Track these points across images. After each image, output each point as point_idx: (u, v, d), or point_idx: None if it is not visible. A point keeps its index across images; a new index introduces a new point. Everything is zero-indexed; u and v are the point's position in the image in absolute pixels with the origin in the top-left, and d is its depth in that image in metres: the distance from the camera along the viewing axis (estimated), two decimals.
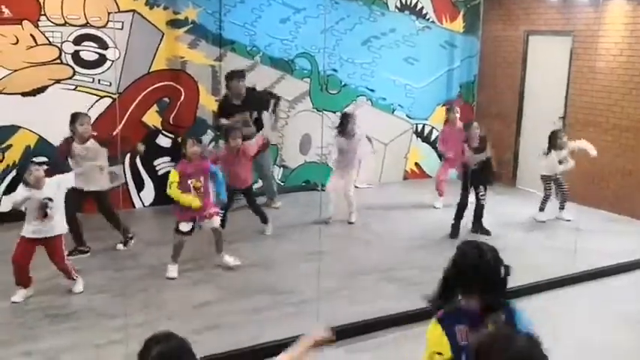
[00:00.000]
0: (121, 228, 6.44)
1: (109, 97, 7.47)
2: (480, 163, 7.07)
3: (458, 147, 7.43)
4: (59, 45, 7.18)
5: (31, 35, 7.02)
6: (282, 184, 8.87)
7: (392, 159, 9.75)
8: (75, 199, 6.20)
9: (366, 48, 9.21)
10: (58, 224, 5.25)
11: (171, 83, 7.92)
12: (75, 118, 6.12)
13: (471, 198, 7.18)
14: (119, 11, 7.44)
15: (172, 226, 5.96)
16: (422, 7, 9.58)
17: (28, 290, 5.25)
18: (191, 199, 5.69)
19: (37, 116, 7.03)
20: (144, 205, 7.98)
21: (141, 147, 6.78)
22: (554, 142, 7.65)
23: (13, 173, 7.05)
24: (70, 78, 7.29)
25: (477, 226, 7.20)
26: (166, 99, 7.92)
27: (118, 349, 4.38)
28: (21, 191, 5.13)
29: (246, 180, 6.87)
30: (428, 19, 9.67)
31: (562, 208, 7.95)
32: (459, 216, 7.17)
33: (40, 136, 7.18)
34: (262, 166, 7.98)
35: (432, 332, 2.55)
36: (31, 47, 7.04)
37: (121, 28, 7.47)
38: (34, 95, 7.11)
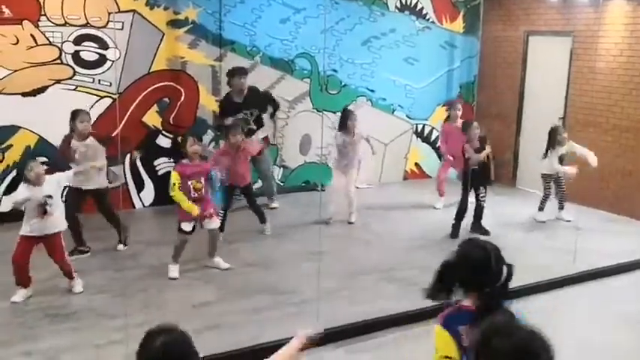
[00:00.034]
0: (120, 228, 6.44)
1: (109, 97, 7.47)
2: (480, 163, 7.08)
3: (458, 144, 7.42)
4: (59, 45, 7.18)
5: (32, 35, 7.02)
6: (282, 184, 8.87)
7: (392, 159, 9.75)
8: (75, 198, 6.22)
9: (366, 48, 9.21)
10: (58, 221, 5.26)
11: (171, 83, 7.92)
12: (75, 115, 6.12)
13: (471, 198, 7.19)
14: (119, 11, 7.44)
15: (172, 226, 5.97)
16: (422, 8, 9.58)
17: (28, 290, 5.25)
18: (191, 207, 5.69)
19: (38, 116, 7.03)
20: (144, 206, 7.99)
21: (136, 154, 6.79)
22: (553, 138, 7.64)
23: (14, 173, 7.05)
24: (71, 78, 7.29)
25: (477, 226, 7.20)
26: (166, 99, 7.93)
27: (118, 349, 4.38)
28: (22, 190, 5.13)
29: (245, 177, 6.86)
30: (428, 20, 9.68)
31: (561, 208, 7.96)
32: (459, 217, 7.17)
33: (40, 136, 7.18)
34: (262, 166, 7.98)
35: (440, 338, 2.52)
36: (32, 47, 7.04)
37: (122, 29, 7.47)
38: (35, 95, 7.12)
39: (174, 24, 7.82)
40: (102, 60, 7.43)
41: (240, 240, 6.86)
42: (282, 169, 8.94)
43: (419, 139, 10.02)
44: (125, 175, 7.79)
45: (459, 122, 8.19)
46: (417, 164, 10.08)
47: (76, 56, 7.29)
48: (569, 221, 7.74)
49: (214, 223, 5.96)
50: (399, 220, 7.87)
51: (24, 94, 7.06)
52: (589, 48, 8.43)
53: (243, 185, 6.89)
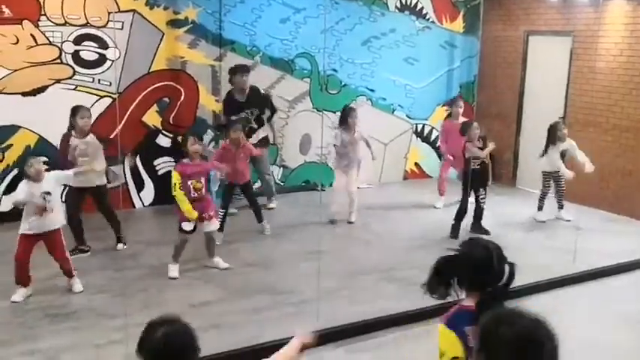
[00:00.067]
0: (119, 227, 6.44)
1: (109, 96, 7.47)
2: (481, 163, 7.07)
3: (459, 142, 7.42)
4: (59, 45, 7.18)
5: (32, 35, 7.02)
6: (282, 184, 8.87)
7: (392, 159, 9.75)
8: (75, 198, 6.23)
9: (366, 48, 9.21)
10: (57, 218, 5.28)
11: (171, 83, 7.92)
12: (76, 111, 6.12)
13: (471, 199, 7.18)
14: (119, 11, 7.44)
15: (172, 225, 5.97)
16: (422, 8, 9.58)
17: (28, 289, 5.26)
18: (190, 210, 5.68)
19: (37, 116, 7.03)
20: (144, 205, 7.98)
21: (132, 160, 6.79)
22: (553, 134, 7.64)
23: (14, 172, 7.05)
24: (70, 78, 7.29)
25: (477, 226, 7.20)
26: (166, 99, 7.93)
27: (118, 349, 4.38)
28: (22, 187, 5.13)
29: (245, 175, 6.85)
30: (428, 20, 9.68)
31: (561, 207, 7.96)
32: (459, 217, 7.17)
33: (40, 135, 7.18)
34: (261, 166, 7.98)
35: (446, 338, 2.49)
36: (32, 47, 7.04)
37: (121, 28, 7.47)
38: (34, 95, 7.12)
39: (174, 24, 7.82)
40: (102, 60, 7.43)
41: (240, 240, 6.86)
42: (282, 168, 8.94)
43: (419, 138, 10.02)
44: (125, 174, 7.79)
45: (461, 120, 8.20)
46: (416, 164, 10.08)
47: (75, 56, 7.29)
48: (569, 221, 7.74)
49: (212, 225, 5.96)
50: (398, 220, 7.86)
51: (24, 94, 7.06)
52: (589, 48, 8.43)
53: (243, 182, 6.87)
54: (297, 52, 8.69)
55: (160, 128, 7.94)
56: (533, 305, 2.20)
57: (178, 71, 7.95)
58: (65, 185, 6.10)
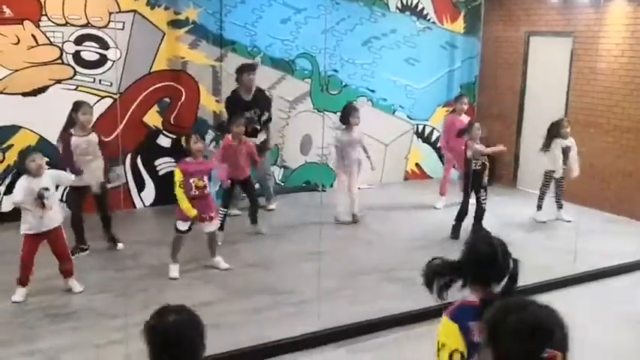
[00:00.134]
0: (110, 229, 6.42)
1: (110, 97, 7.46)
2: (482, 164, 7.06)
3: (460, 139, 7.41)
4: (60, 45, 7.18)
5: (32, 35, 7.02)
6: (282, 184, 8.87)
7: (392, 160, 9.75)
8: (75, 198, 6.23)
9: (367, 49, 9.21)
10: (57, 216, 5.27)
11: (172, 83, 7.92)
12: (78, 106, 6.09)
13: (472, 199, 7.17)
14: (120, 11, 7.44)
15: (173, 226, 5.95)
16: (422, 8, 9.58)
17: (26, 289, 5.24)
18: (189, 208, 5.67)
19: (38, 116, 7.02)
20: (144, 205, 7.98)
21: (114, 176, 6.80)
22: (557, 130, 7.64)
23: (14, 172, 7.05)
24: (71, 78, 7.29)
25: (477, 227, 7.18)
26: (167, 99, 7.93)
27: (118, 349, 4.38)
28: (21, 183, 5.12)
29: (245, 170, 6.84)
30: (429, 20, 9.67)
31: (560, 207, 7.95)
32: (460, 218, 7.17)
33: (40, 136, 7.17)
34: (261, 167, 7.96)
35: (448, 330, 2.47)
36: (32, 47, 7.04)
37: (122, 29, 7.47)
38: (35, 95, 7.12)
39: (175, 24, 7.82)
40: (103, 60, 7.43)
41: (240, 240, 6.86)
42: (282, 169, 8.93)
43: (419, 139, 10.02)
44: (126, 174, 7.79)
45: (464, 117, 8.19)
46: (417, 165, 10.08)
47: (76, 56, 7.29)
48: (569, 221, 7.73)
49: (213, 226, 5.96)
50: (399, 221, 7.86)
51: (25, 94, 7.06)
52: (590, 49, 8.42)
53: (243, 178, 6.85)
54: (298, 52, 8.69)
55: (161, 128, 7.94)
56: None
57: (179, 71, 7.95)
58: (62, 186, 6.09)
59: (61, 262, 5.36)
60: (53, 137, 6.85)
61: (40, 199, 5.08)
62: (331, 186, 8.55)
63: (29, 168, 5.12)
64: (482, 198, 7.13)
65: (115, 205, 6.91)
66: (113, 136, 6.70)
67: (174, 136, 7.95)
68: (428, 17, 9.66)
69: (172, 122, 7.98)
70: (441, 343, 2.47)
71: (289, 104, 8.75)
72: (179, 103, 7.99)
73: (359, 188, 7.98)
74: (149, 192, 7.98)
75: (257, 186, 8.12)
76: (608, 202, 8.31)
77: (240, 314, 5.10)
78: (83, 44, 7.31)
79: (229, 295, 5.50)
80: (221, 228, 6.46)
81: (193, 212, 5.68)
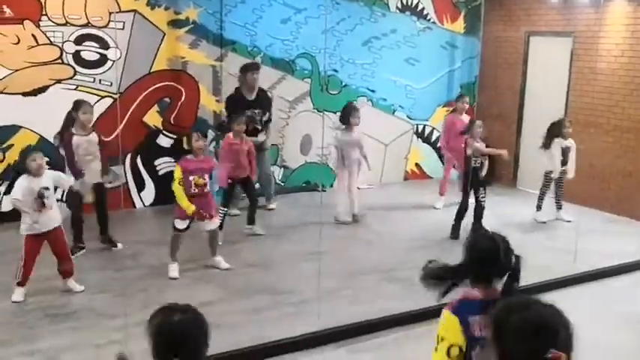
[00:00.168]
0: (107, 229, 6.41)
1: (110, 97, 7.46)
2: (481, 162, 7.06)
3: (459, 137, 7.41)
4: (60, 45, 7.18)
5: (33, 35, 7.02)
6: (282, 184, 8.87)
7: (392, 160, 9.75)
8: (75, 198, 6.22)
9: (367, 48, 9.21)
10: (56, 216, 5.27)
11: (172, 83, 7.92)
12: (78, 105, 6.09)
13: (471, 199, 7.18)
14: (120, 11, 7.44)
15: (171, 224, 5.95)
16: (423, 8, 9.58)
17: (25, 288, 5.23)
18: (188, 205, 5.67)
19: (38, 116, 7.02)
20: (144, 205, 7.98)
21: (114, 175, 6.81)
22: (557, 131, 7.64)
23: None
24: (71, 78, 7.29)
25: (477, 226, 7.18)
26: (167, 99, 7.93)
27: (118, 349, 4.37)
28: (20, 183, 5.11)
29: (246, 168, 6.84)
30: (429, 20, 9.67)
31: (559, 207, 7.96)
32: (459, 217, 7.16)
33: (41, 136, 7.17)
34: (261, 166, 7.97)
35: (449, 324, 2.47)
36: (32, 47, 7.04)
37: (122, 28, 7.47)
38: (35, 95, 7.12)
39: (175, 24, 7.82)
40: (103, 60, 7.43)
41: (240, 240, 6.86)
42: (282, 169, 8.93)
43: (419, 139, 10.02)
44: (126, 174, 7.79)
45: (464, 116, 8.20)
46: (417, 165, 10.08)
47: (76, 56, 7.29)
48: (569, 221, 7.73)
49: (213, 224, 5.95)
50: (399, 221, 7.86)
51: (25, 94, 7.06)
52: (590, 49, 8.42)
53: (244, 176, 6.84)
54: (298, 52, 8.69)
55: (161, 128, 7.94)
56: None
57: (179, 71, 7.95)
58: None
59: (60, 262, 5.36)
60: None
61: (40, 198, 5.08)
62: (331, 186, 8.55)
63: (30, 167, 5.11)
64: (482, 196, 7.12)
65: (115, 205, 6.92)
66: (113, 136, 6.70)
67: (175, 136, 7.95)
68: (428, 17, 9.66)
69: (172, 122, 7.98)
70: (440, 336, 2.48)
71: (289, 104, 8.75)
72: (179, 103, 7.99)
73: (358, 188, 7.98)
74: (149, 192, 7.98)
75: (257, 185, 8.13)
76: (608, 202, 8.31)
77: (240, 314, 5.10)
78: (83, 44, 7.31)
79: (229, 295, 5.50)
80: (220, 227, 6.46)
81: (192, 208, 5.67)
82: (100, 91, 7.45)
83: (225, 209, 6.80)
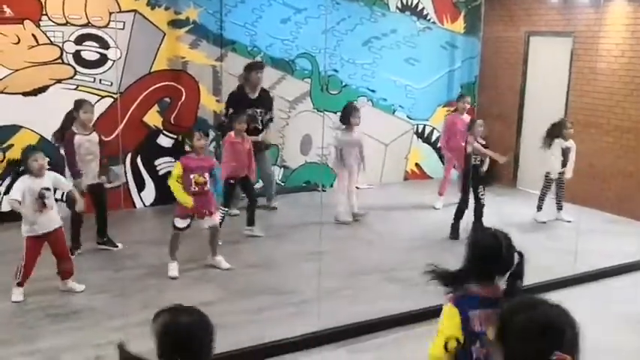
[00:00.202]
0: (105, 230, 6.40)
1: (110, 96, 7.46)
2: (481, 160, 7.05)
3: (460, 137, 7.41)
4: (60, 45, 7.18)
5: (33, 35, 7.02)
6: (282, 184, 8.87)
7: (392, 160, 9.75)
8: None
9: (367, 48, 9.21)
10: (56, 217, 5.27)
11: (172, 83, 7.92)
12: (79, 105, 6.09)
13: (471, 198, 7.17)
14: (120, 11, 7.43)
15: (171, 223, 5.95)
16: (423, 8, 9.58)
17: (23, 288, 5.23)
18: (186, 198, 5.66)
19: (39, 116, 7.02)
20: (144, 205, 7.98)
21: (114, 175, 6.81)
22: (558, 132, 7.64)
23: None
24: (72, 78, 7.29)
25: (478, 224, 7.17)
26: (167, 99, 7.93)
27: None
28: (20, 183, 5.10)
29: (246, 167, 6.84)
30: (429, 20, 9.67)
31: (560, 208, 7.96)
32: (458, 216, 7.16)
33: (41, 135, 7.17)
34: (262, 165, 7.97)
35: (449, 316, 2.50)
36: (33, 47, 7.04)
37: (123, 28, 7.47)
38: (36, 95, 7.12)
39: (175, 24, 7.82)
40: (103, 60, 7.43)
41: (241, 240, 6.86)
42: (282, 169, 8.93)
43: (419, 139, 10.02)
44: (126, 174, 7.79)
45: (466, 116, 8.19)
46: (417, 165, 10.08)
47: (77, 56, 7.29)
48: (569, 222, 7.73)
49: (213, 220, 5.94)
50: (399, 221, 7.86)
51: (25, 94, 7.06)
52: (590, 49, 8.42)
53: (244, 175, 6.84)
54: (298, 52, 8.69)
55: (161, 128, 7.94)
56: None
57: (179, 71, 7.95)
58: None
59: (60, 263, 5.35)
60: None
61: (41, 199, 5.08)
62: (331, 186, 8.55)
63: (31, 167, 5.10)
64: (481, 194, 7.12)
65: (115, 205, 6.91)
66: (113, 135, 6.70)
67: (175, 136, 7.96)
68: (428, 17, 9.66)
69: (172, 122, 7.98)
70: (439, 330, 2.50)
71: (289, 104, 8.75)
72: (179, 103, 7.99)
73: (357, 188, 7.99)
74: (149, 192, 7.97)
75: (259, 184, 8.15)
76: (608, 202, 8.30)
77: (240, 314, 5.09)
78: (83, 44, 7.30)
79: (230, 295, 5.49)
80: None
81: (190, 202, 5.66)
82: (101, 90, 7.44)
83: (227, 209, 6.80)
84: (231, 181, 6.72)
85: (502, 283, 2.56)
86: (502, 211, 8.13)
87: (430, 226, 7.57)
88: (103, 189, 6.36)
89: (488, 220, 7.27)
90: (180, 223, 5.77)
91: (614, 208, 8.25)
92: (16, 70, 6.99)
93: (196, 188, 5.72)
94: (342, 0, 8.85)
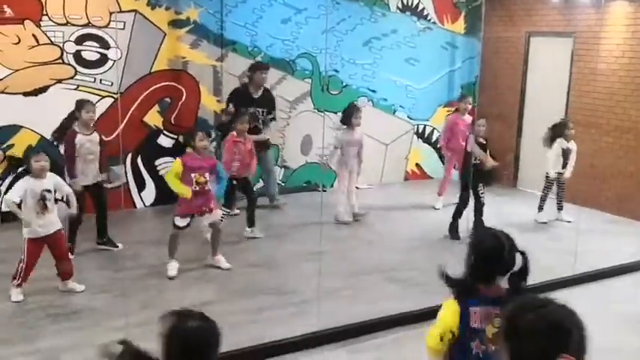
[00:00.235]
0: (106, 230, 6.39)
1: (111, 97, 7.46)
2: (481, 160, 7.05)
3: (461, 137, 7.40)
4: (61, 45, 7.18)
5: (33, 35, 7.03)
6: (283, 184, 8.87)
7: (393, 160, 9.75)
8: (76, 197, 6.20)
9: (368, 49, 9.21)
10: (56, 219, 5.26)
11: (172, 83, 7.92)
12: (81, 105, 6.10)
13: (470, 198, 7.16)
14: (121, 11, 7.43)
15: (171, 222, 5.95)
16: (423, 8, 9.58)
17: (23, 288, 5.23)
18: (183, 188, 5.65)
19: (39, 116, 7.02)
20: (145, 205, 7.98)
21: (114, 175, 6.82)
22: (560, 132, 7.64)
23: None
24: (72, 78, 7.29)
25: (478, 222, 7.17)
26: (168, 99, 7.93)
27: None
28: (21, 184, 5.10)
29: (247, 167, 6.85)
30: (429, 20, 9.67)
31: (560, 208, 7.96)
32: (457, 216, 7.14)
33: (41, 135, 7.17)
34: (264, 165, 7.97)
35: (449, 310, 2.54)
36: (33, 47, 7.04)
37: (123, 28, 7.47)
38: (36, 95, 7.12)
39: (176, 24, 7.82)
40: (103, 60, 7.43)
41: (241, 240, 6.86)
42: (283, 169, 8.93)
43: (420, 139, 10.02)
44: (126, 174, 7.79)
45: (467, 117, 8.19)
46: (417, 165, 10.08)
47: (77, 56, 7.29)
48: (569, 222, 7.73)
49: (214, 216, 5.92)
50: (399, 221, 7.86)
51: (25, 94, 7.06)
52: (590, 49, 8.42)
53: (244, 175, 6.84)
54: (299, 52, 8.69)
55: (162, 128, 7.94)
56: None
57: (180, 71, 7.95)
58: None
59: (60, 264, 5.34)
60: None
61: (42, 200, 5.07)
62: (331, 186, 8.55)
63: (33, 168, 5.10)
64: (481, 193, 7.11)
65: (116, 205, 6.91)
66: (114, 135, 6.70)
67: (175, 136, 7.96)
68: (428, 17, 9.66)
69: (173, 122, 7.98)
70: (436, 324, 2.54)
71: (290, 104, 8.75)
72: (180, 103, 7.99)
73: (357, 188, 7.99)
74: (149, 192, 7.97)
75: (260, 184, 8.15)
76: (608, 202, 8.30)
77: (240, 314, 5.09)
78: (84, 44, 7.31)
79: (230, 295, 5.50)
80: None
81: (189, 193, 5.65)
82: (101, 90, 7.45)
83: (228, 210, 6.80)
84: (234, 182, 6.72)
85: (504, 283, 2.57)
86: (502, 211, 8.13)
87: (430, 226, 7.57)
88: (103, 189, 6.36)
89: (488, 221, 7.27)
90: (181, 221, 5.77)
91: (614, 209, 8.25)
92: (17, 70, 6.99)
93: (197, 188, 5.72)
94: (343, 0, 8.85)
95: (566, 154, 7.69)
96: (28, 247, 5.13)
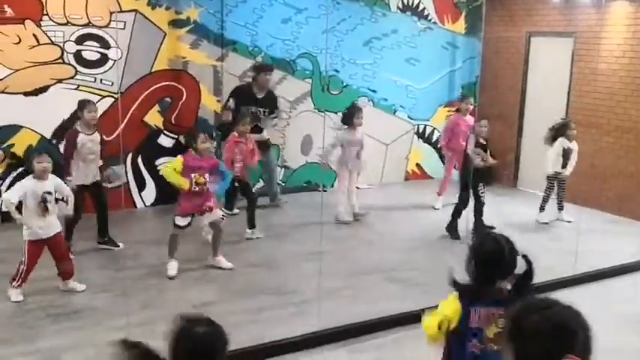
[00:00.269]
0: (106, 229, 6.39)
1: (111, 96, 7.46)
2: (482, 158, 7.05)
3: (462, 137, 7.40)
4: (61, 44, 7.18)
5: (34, 35, 7.03)
6: (283, 184, 8.87)
7: (393, 160, 9.75)
8: (76, 197, 6.20)
9: (368, 49, 9.21)
10: (56, 222, 5.26)
11: (172, 83, 7.92)
12: (83, 105, 6.11)
13: (470, 198, 7.16)
14: (121, 11, 7.43)
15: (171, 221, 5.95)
16: (424, 8, 9.58)
17: (22, 288, 5.22)
18: (180, 180, 5.63)
19: (39, 116, 7.03)
20: (145, 205, 7.98)
21: (114, 175, 6.81)
22: (562, 132, 7.64)
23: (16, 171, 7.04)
24: (72, 77, 7.29)
25: (479, 221, 7.17)
26: (168, 99, 7.93)
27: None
28: (21, 185, 5.09)
29: (247, 167, 6.85)
30: (430, 20, 9.67)
31: (561, 208, 7.96)
32: (455, 215, 7.14)
33: (42, 135, 7.17)
34: (266, 165, 7.97)
35: (450, 305, 2.57)
36: (34, 47, 7.04)
37: (123, 28, 7.47)
38: (36, 95, 7.11)
39: (176, 24, 7.82)
40: (104, 59, 7.43)
41: (242, 240, 6.86)
42: (283, 169, 8.93)
43: (420, 139, 10.02)
44: (127, 174, 7.79)
45: (469, 117, 8.19)
46: (418, 165, 10.07)
47: (77, 56, 7.29)
48: (569, 222, 7.73)
49: (214, 215, 5.91)
50: (400, 221, 7.86)
51: (26, 94, 7.06)
52: (591, 49, 8.42)
53: (244, 176, 6.83)
54: (299, 52, 8.69)
55: (162, 128, 7.94)
56: None
57: (180, 71, 7.95)
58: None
59: (61, 264, 5.33)
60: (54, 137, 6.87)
61: (43, 202, 5.07)
62: (332, 186, 8.55)
63: (35, 169, 5.09)
64: (481, 192, 7.11)
65: (116, 205, 6.91)
66: (114, 135, 6.69)
67: (175, 136, 7.96)
68: (429, 17, 9.66)
69: (173, 122, 7.98)
70: (438, 308, 2.56)
71: (290, 104, 8.75)
72: (180, 103, 7.99)
73: (358, 188, 7.99)
74: (150, 192, 7.97)
75: (260, 184, 8.15)
76: (609, 202, 8.30)
77: (241, 314, 5.09)
78: (84, 44, 7.31)
79: (231, 295, 5.50)
80: None
81: (186, 184, 5.64)
82: (101, 90, 7.44)
83: (229, 212, 6.80)
84: (235, 184, 6.71)
85: (506, 285, 2.59)
86: (502, 211, 8.13)
87: (430, 226, 7.57)
88: (103, 188, 6.36)
89: (488, 221, 7.29)
90: (181, 221, 5.77)
91: (614, 209, 8.25)
92: (17, 70, 6.99)
93: (197, 188, 5.72)
94: (343, 0, 8.85)
95: (567, 153, 7.69)
96: (28, 248, 5.12)
